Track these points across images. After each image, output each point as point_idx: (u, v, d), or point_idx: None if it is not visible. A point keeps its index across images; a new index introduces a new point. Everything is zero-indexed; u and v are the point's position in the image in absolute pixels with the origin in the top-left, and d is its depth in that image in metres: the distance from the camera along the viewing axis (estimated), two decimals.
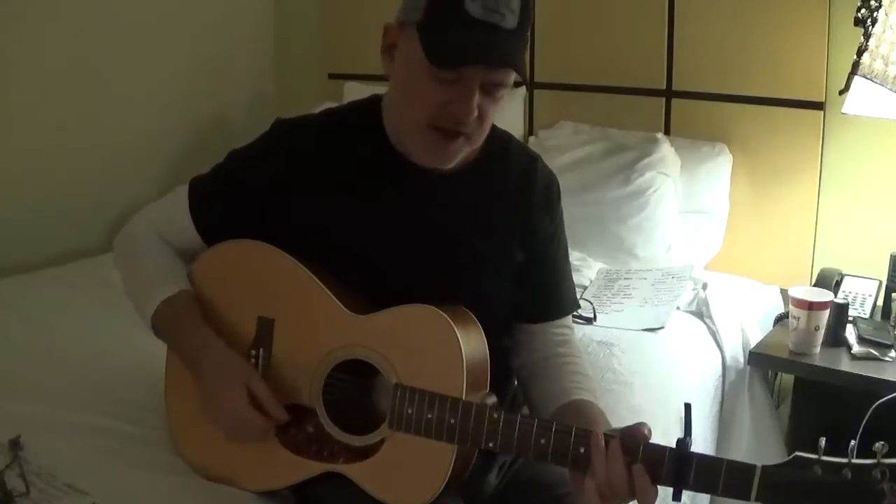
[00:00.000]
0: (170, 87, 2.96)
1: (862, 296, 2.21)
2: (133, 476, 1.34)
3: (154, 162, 2.95)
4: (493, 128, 1.40)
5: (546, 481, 1.35)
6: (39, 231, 2.60)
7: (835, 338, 2.04)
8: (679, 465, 1.11)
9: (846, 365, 1.97)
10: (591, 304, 2.17)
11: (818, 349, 2.02)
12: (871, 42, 2.02)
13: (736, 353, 2.16)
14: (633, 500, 1.14)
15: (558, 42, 2.76)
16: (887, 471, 1.02)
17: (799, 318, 2.01)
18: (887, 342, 2.01)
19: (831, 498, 1.04)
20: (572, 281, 1.49)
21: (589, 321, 2.13)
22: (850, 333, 2.06)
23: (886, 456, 1.03)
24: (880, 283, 2.21)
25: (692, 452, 1.11)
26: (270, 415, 1.27)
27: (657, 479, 1.12)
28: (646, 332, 2.10)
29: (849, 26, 2.14)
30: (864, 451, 1.06)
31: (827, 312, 2.01)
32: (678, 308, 2.21)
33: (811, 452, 1.06)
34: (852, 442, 1.06)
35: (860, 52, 2.04)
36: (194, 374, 1.33)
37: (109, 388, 1.65)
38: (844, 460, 1.05)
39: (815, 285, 2.17)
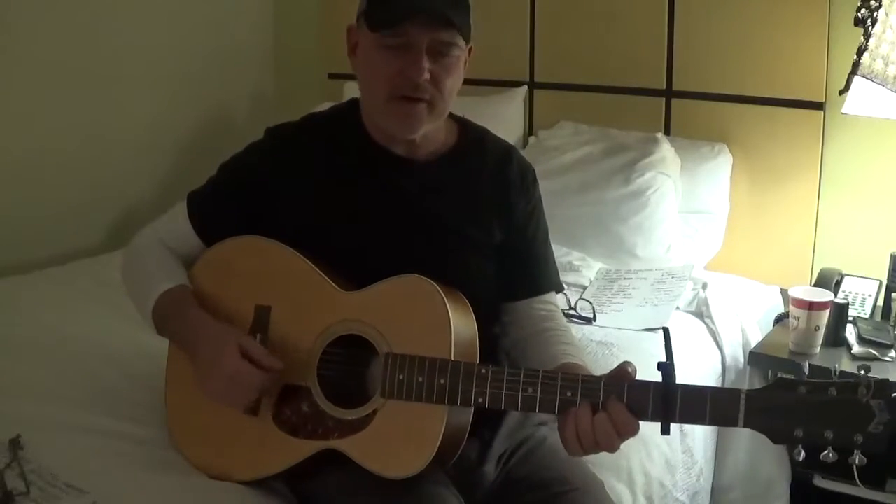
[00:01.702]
0: (170, 88, 2.96)
1: (862, 296, 2.21)
2: (133, 476, 1.34)
3: (154, 162, 2.95)
4: (468, 123, 1.51)
5: (544, 480, 1.35)
6: (39, 231, 2.60)
7: (835, 338, 2.04)
8: (665, 397, 1.13)
9: (846, 365, 1.97)
10: (591, 304, 2.17)
11: (818, 349, 2.02)
12: (871, 42, 2.02)
13: (736, 353, 2.16)
14: (618, 440, 1.17)
15: (558, 42, 2.76)
16: (872, 383, 1.04)
17: (799, 318, 2.01)
18: (887, 342, 2.02)
19: (820, 417, 1.06)
20: (555, 264, 1.55)
21: (589, 321, 2.13)
22: (850, 333, 2.06)
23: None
24: (880, 283, 2.22)
25: (677, 385, 1.14)
26: (264, 365, 1.28)
27: (644, 416, 1.15)
28: (646, 332, 2.10)
29: (849, 26, 2.14)
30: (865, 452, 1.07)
31: (827, 312, 2.01)
32: (678, 308, 2.21)
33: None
34: (836, 365, 1.09)
35: (860, 52, 2.04)
36: (191, 356, 1.35)
37: (109, 387, 1.65)
38: (829, 381, 1.06)
39: (815, 285, 2.17)
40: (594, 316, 2.15)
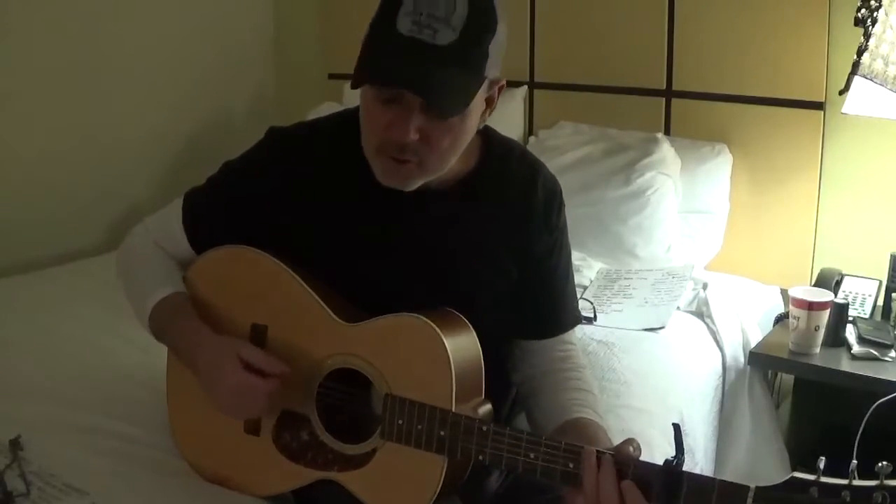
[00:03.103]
0: (170, 88, 2.96)
1: (862, 296, 2.21)
2: (133, 476, 1.34)
3: (155, 162, 2.95)
4: (492, 138, 1.38)
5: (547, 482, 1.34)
6: (39, 231, 2.60)
7: (835, 338, 2.04)
8: (669, 485, 1.09)
9: (846, 365, 1.97)
10: (592, 303, 2.17)
11: (818, 349, 2.02)
12: (871, 42, 2.02)
13: (736, 353, 2.16)
14: None
15: (558, 42, 2.76)
16: (888, 495, 0.98)
17: (799, 318, 2.01)
18: (887, 342, 2.01)
19: None
20: (574, 295, 1.47)
21: (589, 321, 2.13)
22: (850, 333, 2.06)
23: (889, 476, 0.99)
24: (880, 283, 2.21)
25: (683, 472, 1.09)
26: (268, 371, 1.25)
27: (647, 498, 1.10)
28: (646, 332, 2.10)
29: (849, 26, 2.14)
30: (865, 451, 1.04)
31: (827, 312, 2.01)
32: (678, 308, 2.21)
33: (810, 469, 1.02)
34: (853, 462, 1.02)
35: (860, 52, 2.04)
36: (192, 367, 1.32)
37: (109, 388, 1.65)
38: (844, 482, 1.00)
39: (815, 285, 2.17)
40: (595, 316, 2.15)
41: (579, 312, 1.48)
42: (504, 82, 1.27)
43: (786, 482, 1.03)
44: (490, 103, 1.27)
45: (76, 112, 2.68)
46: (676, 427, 1.13)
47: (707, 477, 1.10)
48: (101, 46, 2.72)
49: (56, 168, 2.64)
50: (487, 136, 1.38)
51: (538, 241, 1.38)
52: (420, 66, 1.13)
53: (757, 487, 1.04)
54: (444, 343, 1.20)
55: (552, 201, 1.40)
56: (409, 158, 1.21)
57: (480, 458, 1.18)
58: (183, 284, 1.40)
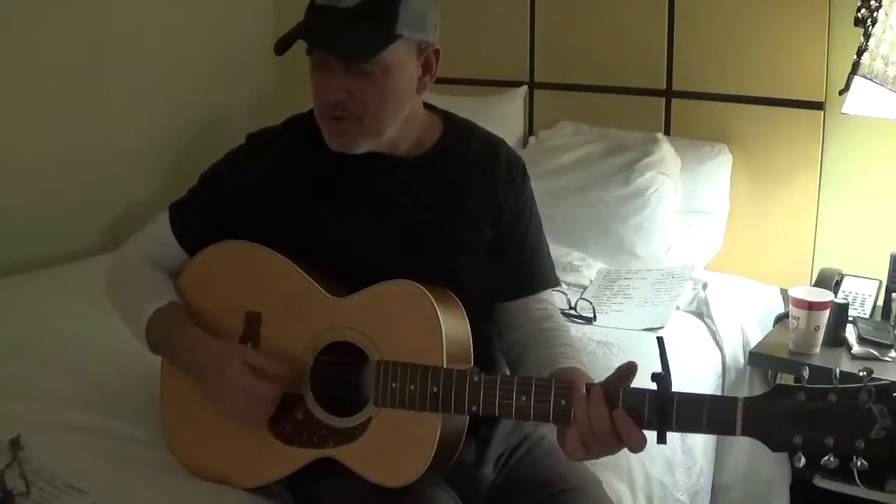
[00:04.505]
0: (170, 87, 2.96)
1: (862, 296, 2.21)
2: (133, 476, 1.34)
3: (154, 162, 2.95)
4: (453, 117, 1.47)
5: (542, 480, 1.35)
6: (39, 231, 2.59)
7: (835, 338, 2.04)
8: (660, 406, 1.11)
9: (846, 365, 1.97)
10: (591, 304, 2.17)
11: (818, 349, 2.02)
12: (871, 42, 2.02)
13: (736, 353, 2.16)
14: (620, 447, 1.15)
15: (558, 42, 2.76)
16: (874, 389, 1.00)
17: (799, 318, 2.01)
18: (887, 342, 2.02)
19: (819, 424, 1.02)
20: (549, 258, 1.52)
21: (589, 321, 2.13)
22: (850, 333, 2.06)
23: (872, 381, 1.01)
24: (880, 283, 2.22)
25: (673, 392, 1.11)
26: (271, 374, 1.27)
27: (640, 424, 1.13)
28: (646, 332, 2.10)
29: (849, 26, 2.14)
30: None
31: (827, 312, 2.01)
32: (678, 308, 2.21)
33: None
34: (837, 369, 1.05)
35: (860, 52, 2.04)
36: (193, 375, 1.34)
37: (109, 387, 1.65)
38: (829, 386, 1.03)
39: (815, 285, 2.17)
40: (594, 316, 2.15)
41: (556, 276, 1.53)
42: (438, 48, 1.35)
43: (773, 390, 1.06)
44: (428, 69, 1.35)
45: (76, 112, 2.68)
46: (660, 340, 1.15)
47: (696, 394, 1.13)
48: (100, 46, 2.72)
49: (55, 168, 2.63)
50: (447, 115, 1.47)
51: (507, 203, 1.45)
52: (320, 23, 1.29)
53: (745, 398, 1.07)
54: (430, 300, 1.24)
55: (515, 167, 1.47)
56: (342, 116, 1.30)
57: (474, 409, 1.20)
58: (175, 295, 1.41)
